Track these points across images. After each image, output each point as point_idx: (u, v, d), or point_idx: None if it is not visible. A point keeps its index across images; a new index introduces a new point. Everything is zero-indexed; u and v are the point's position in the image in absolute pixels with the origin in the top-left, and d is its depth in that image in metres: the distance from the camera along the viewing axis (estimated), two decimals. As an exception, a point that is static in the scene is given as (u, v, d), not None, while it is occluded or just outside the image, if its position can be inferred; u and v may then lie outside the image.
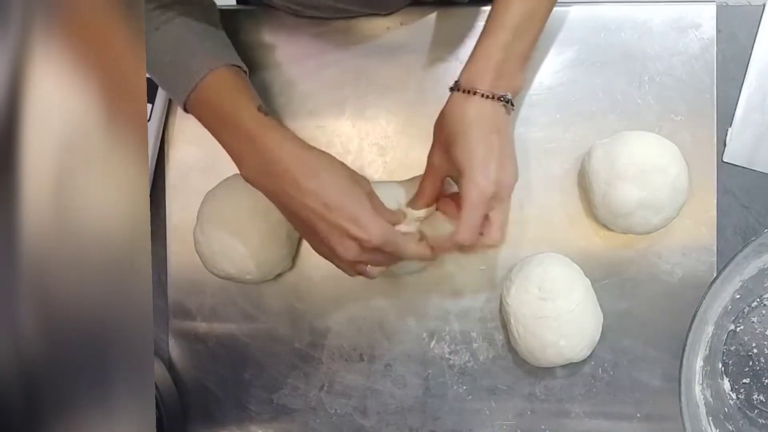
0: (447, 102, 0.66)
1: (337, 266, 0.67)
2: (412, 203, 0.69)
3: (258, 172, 0.65)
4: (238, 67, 0.69)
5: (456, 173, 0.64)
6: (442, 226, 0.69)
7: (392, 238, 0.64)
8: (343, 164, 0.67)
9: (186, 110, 0.67)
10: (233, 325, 0.80)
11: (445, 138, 0.65)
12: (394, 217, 0.68)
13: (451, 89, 0.66)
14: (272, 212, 0.72)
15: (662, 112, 0.75)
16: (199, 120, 0.67)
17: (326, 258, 0.67)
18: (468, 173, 0.63)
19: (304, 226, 0.65)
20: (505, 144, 0.65)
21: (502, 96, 0.64)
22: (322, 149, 0.67)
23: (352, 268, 0.66)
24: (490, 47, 0.64)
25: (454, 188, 0.69)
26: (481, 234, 0.65)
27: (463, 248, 0.65)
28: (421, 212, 0.69)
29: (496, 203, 0.64)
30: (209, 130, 0.67)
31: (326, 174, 0.64)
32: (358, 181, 0.66)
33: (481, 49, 0.65)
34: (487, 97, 0.63)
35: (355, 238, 0.63)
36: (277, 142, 0.64)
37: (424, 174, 0.68)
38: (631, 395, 0.76)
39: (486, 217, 0.65)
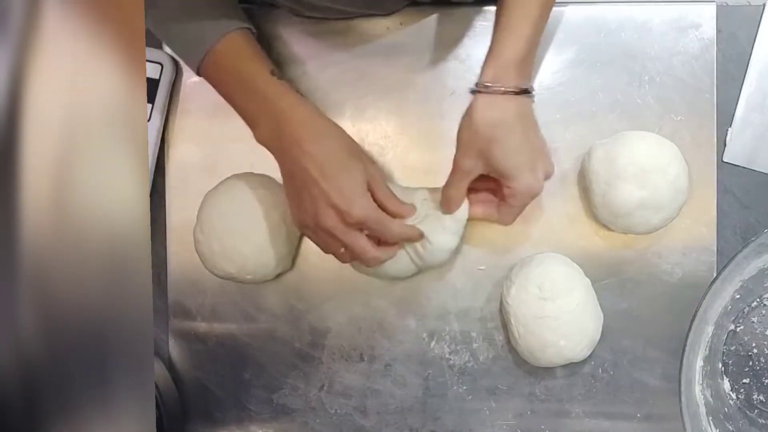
0: (473, 104, 0.64)
1: (315, 241, 0.69)
2: (446, 208, 0.70)
3: (270, 134, 0.67)
4: (248, 28, 0.70)
5: (500, 176, 0.65)
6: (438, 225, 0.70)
7: (374, 216, 0.66)
8: (351, 140, 0.69)
9: (199, 74, 0.69)
10: (233, 325, 0.80)
11: (480, 144, 0.64)
12: (397, 208, 0.69)
13: (475, 91, 0.64)
14: (272, 212, 0.72)
15: (662, 112, 0.75)
16: (212, 84, 0.69)
17: (306, 228, 0.68)
18: (518, 177, 0.64)
19: (297, 190, 0.67)
20: (538, 136, 0.66)
21: (526, 89, 0.64)
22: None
23: (328, 242, 0.67)
24: (513, 42, 0.63)
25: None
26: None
27: None
28: (463, 215, 0.70)
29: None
30: (222, 94, 0.69)
31: (330, 142, 0.66)
32: (360, 158, 0.68)
33: (504, 45, 0.64)
34: (515, 92, 0.63)
35: (337, 209, 0.64)
36: (289, 105, 0.66)
37: (452, 178, 0.68)
38: (631, 395, 0.76)
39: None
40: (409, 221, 0.70)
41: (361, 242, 0.67)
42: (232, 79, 0.68)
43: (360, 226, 0.66)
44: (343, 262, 0.69)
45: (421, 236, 0.69)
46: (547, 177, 0.67)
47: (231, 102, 0.69)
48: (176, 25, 0.67)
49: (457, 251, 0.75)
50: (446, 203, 0.69)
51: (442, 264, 0.74)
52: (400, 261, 0.72)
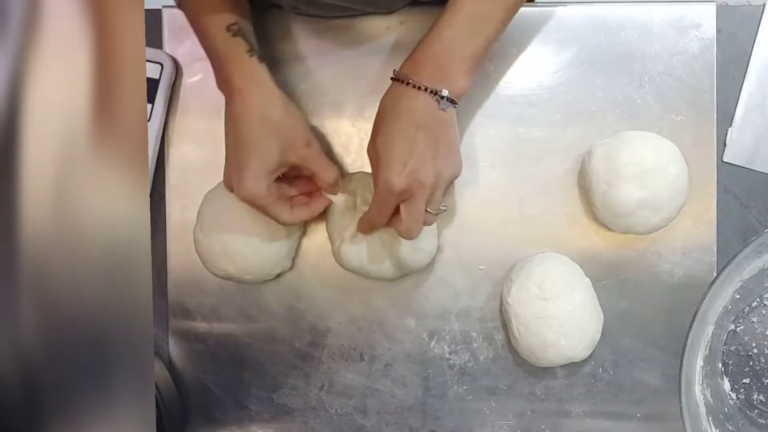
0: (387, 90, 0.66)
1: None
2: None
3: (219, 85, 0.69)
4: None
5: (374, 162, 0.65)
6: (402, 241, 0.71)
7: (258, 201, 0.67)
8: (283, 114, 0.68)
9: (180, 7, 0.70)
10: (233, 325, 0.80)
11: (375, 129, 0.66)
12: (326, 175, 0.70)
13: (392, 78, 0.66)
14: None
15: (662, 112, 0.75)
16: (186, 19, 0.70)
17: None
18: (382, 165, 0.63)
19: (225, 141, 0.69)
20: (430, 142, 0.64)
21: (437, 91, 0.63)
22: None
23: None
24: (432, 42, 0.64)
25: None
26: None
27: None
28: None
29: (407, 198, 0.64)
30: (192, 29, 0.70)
31: (254, 116, 0.67)
32: (283, 138, 0.68)
33: (423, 43, 0.65)
34: (420, 88, 0.63)
35: (228, 182, 0.67)
36: (232, 67, 0.67)
37: (371, 169, 0.68)
38: (631, 395, 0.76)
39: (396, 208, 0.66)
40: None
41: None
42: (194, 25, 0.69)
43: (247, 203, 0.68)
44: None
45: (309, 214, 0.72)
46: (422, 184, 0.63)
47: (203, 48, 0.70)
48: None
49: (444, 249, 0.75)
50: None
51: (422, 267, 0.74)
52: (381, 262, 0.72)
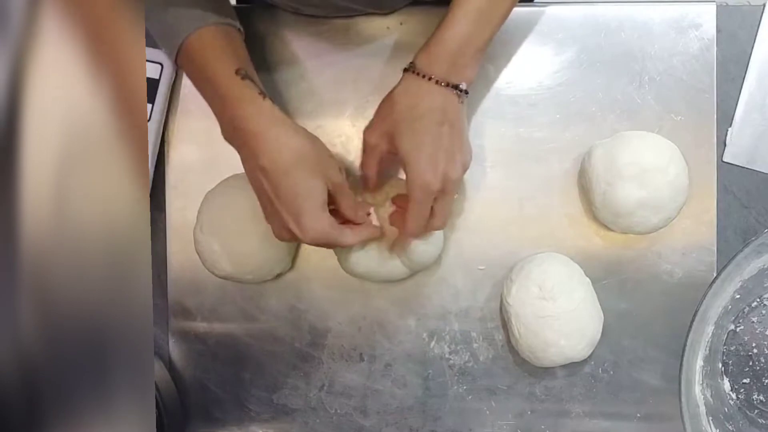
0: (399, 82, 0.65)
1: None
2: (363, 185, 0.70)
3: (228, 134, 0.66)
4: (231, 25, 0.68)
5: (401, 162, 0.64)
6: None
7: (327, 240, 0.65)
8: (312, 149, 0.65)
9: (176, 64, 0.68)
10: (233, 325, 0.80)
11: (392, 122, 0.64)
12: (354, 213, 0.68)
13: (406, 69, 0.65)
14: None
15: (662, 112, 0.75)
16: (187, 76, 0.68)
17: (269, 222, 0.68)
18: (415, 167, 0.63)
19: (257, 192, 0.66)
20: (455, 136, 0.64)
21: (456, 85, 0.63)
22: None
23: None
24: (449, 35, 0.64)
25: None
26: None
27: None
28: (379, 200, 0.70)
29: (441, 196, 0.65)
30: (195, 87, 0.68)
31: (285, 158, 0.63)
32: (320, 171, 0.65)
33: (439, 35, 0.64)
34: (442, 83, 0.63)
35: (290, 232, 0.64)
36: (245, 110, 0.63)
37: (363, 154, 0.68)
38: (631, 395, 0.76)
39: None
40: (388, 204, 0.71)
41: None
42: (199, 74, 0.66)
43: (318, 245, 0.66)
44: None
45: (377, 233, 0.70)
46: (454, 180, 0.64)
47: (202, 95, 0.67)
48: (157, 12, 0.66)
49: (445, 249, 0.75)
50: (362, 180, 0.70)
51: (431, 262, 0.74)
52: (390, 264, 0.72)
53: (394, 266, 0.73)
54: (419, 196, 0.64)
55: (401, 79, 0.65)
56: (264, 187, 0.64)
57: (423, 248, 0.72)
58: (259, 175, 0.63)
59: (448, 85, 0.63)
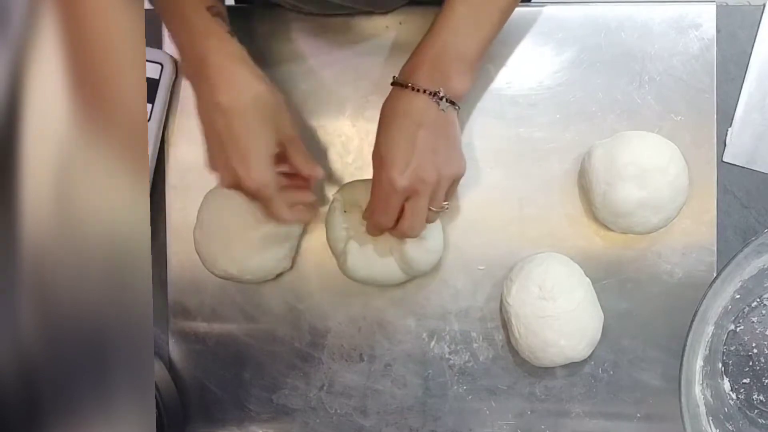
0: (387, 96, 0.66)
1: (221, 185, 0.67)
2: (367, 208, 0.69)
3: (190, 69, 0.64)
4: None
5: (377, 164, 0.65)
6: (408, 243, 0.71)
7: (265, 191, 0.63)
8: (271, 97, 0.64)
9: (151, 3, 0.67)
10: (233, 325, 0.80)
11: (377, 131, 0.66)
12: (311, 169, 0.68)
13: (392, 83, 0.66)
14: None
15: (662, 112, 0.75)
16: (157, 10, 0.66)
17: (212, 170, 0.66)
18: (384, 165, 0.63)
19: (207, 133, 0.65)
20: (431, 139, 0.64)
21: (434, 92, 0.64)
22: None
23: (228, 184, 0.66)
24: (427, 45, 0.65)
25: None
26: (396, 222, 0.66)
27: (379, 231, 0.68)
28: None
29: (411, 196, 0.64)
30: (163, 22, 0.66)
31: (244, 97, 0.62)
32: (277, 121, 0.65)
33: (420, 47, 0.66)
34: (419, 90, 0.64)
35: (233, 173, 0.63)
36: (211, 46, 0.63)
37: (373, 174, 0.68)
38: (631, 395, 0.76)
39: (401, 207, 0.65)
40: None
41: (256, 202, 0.66)
42: (169, 5, 0.64)
43: (253, 195, 0.64)
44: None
45: (309, 217, 0.70)
46: (426, 182, 0.63)
47: (168, 29, 0.66)
48: None
49: (445, 249, 0.75)
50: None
51: (429, 269, 0.74)
52: (389, 269, 0.72)
53: (394, 272, 0.73)
54: (386, 191, 0.64)
55: (390, 92, 0.66)
56: (216, 126, 0.62)
57: (420, 255, 0.72)
58: (213, 112, 0.62)
59: (426, 91, 0.64)
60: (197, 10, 0.63)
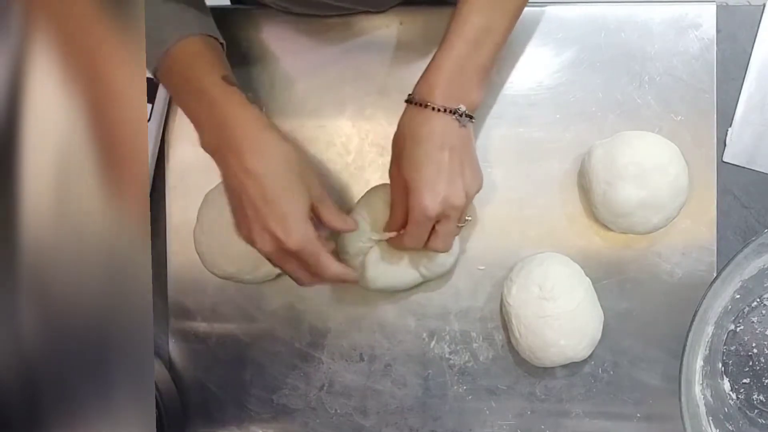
0: (402, 115, 0.65)
1: (259, 251, 0.65)
2: (388, 226, 0.69)
3: (213, 141, 0.64)
4: (214, 38, 0.68)
5: (405, 188, 0.64)
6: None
7: (310, 248, 0.62)
8: (298, 156, 0.65)
9: (155, 77, 0.67)
10: (233, 325, 0.80)
11: (398, 153, 0.65)
12: (343, 224, 0.67)
13: (406, 101, 0.65)
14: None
15: (662, 112, 0.75)
16: (167, 88, 0.68)
17: (246, 242, 0.65)
18: (415, 191, 0.63)
19: (237, 204, 0.64)
20: (456, 161, 0.64)
21: (455, 109, 0.63)
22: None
23: (274, 262, 0.65)
24: (444, 59, 0.64)
25: None
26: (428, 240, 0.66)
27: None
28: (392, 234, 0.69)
29: (442, 219, 0.65)
30: (175, 98, 0.67)
31: (273, 160, 0.63)
32: (306, 180, 0.64)
33: (435, 61, 0.64)
34: (439, 110, 0.63)
35: (273, 236, 0.62)
36: (235, 113, 0.63)
37: (391, 193, 0.68)
38: (631, 395, 0.76)
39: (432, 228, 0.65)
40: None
41: (295, 270, 0.65)
42: (182, 80, 0.65)
43: (296, 256, 0.63)
44: (300, 284, 0.67)
45: (354, 279, 0.68)
46: (455, 205, 0.64)
47: (181, 105, 0.67)
48: None
49: (460, 254, 0.75)
50: (390, 220, 0.69)
51: (448, 271, 0.74)
52: (406, 275, 0.72)
53: (413, 278, 0.73)
54: (418, 219, 0.64)
55: (404, 111, 0.65)
56: (249, 192, 0.62)
57: (441, 260, 0.72)
58: (244, 179, 0.62)
59: (446, 110, 0.63)
60: (214, 82, 0.64)
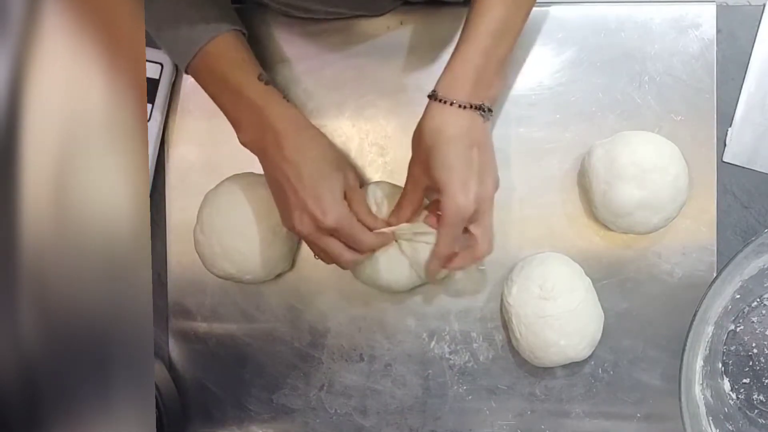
0: (425, 111, 0.65)
1: (304, 240, 0.69)
2: (394, 214, 0.69)
3: (253, 138, 0.68)
4: (240, 30, 0.70)
5: (435, 188, 0.64)
6: (422, 248, 0.69)
7: (347, 223, 0.66)
8: (334, 150, 0.69)
9: (187, 72, 0.70)
10: (233, 325, 0.80)
11: (424, 151, 0.64)
12: (371, 220, 0.69)
13: (429, 97, 0.65)
14: (272, 212, 0.72)
15: (662, 112, 0.75)
16: (200, 83, 0.70)
17: (289, 229, 0.68)
18: (448, 191, 0.62)
19: (278, 193, 0.68)
20: (484, 157, 0.64)
21: (479, 105, 0.63)
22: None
23: (309, 245, 0.69)
24: (469, 54, 0.63)
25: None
26: (469, 247, 0.66)
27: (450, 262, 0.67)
28: (404, 225, 0.69)
29: (476, 217, 0.64)
30: (209, 94, 0.70)
31: (313, 153, 0.67)
32: (340, 169, 0.68)
33: (460, 56, 0.64)
34: (465, 107, 0.63)
35: (312, 216, 0.65)
36: (274, 112, 0.67)
37: (406, 184, 0.68)
38: (631, 395, 0.76)
39: (467, 231, 0.65)
40: (410, 233, 0.69)
41: (335, 246, 0.67)
42: (219, 81, 0.68)
43: (333, 233, 0.66)
44: (326, 263, 0.70)
45: (391, 240, 0.70)
46: (486, 200, 0.64)
47: (217, 103, 0.69)
48: (168, 23, 0.67)
49: None
50: (396, 210, 0.69)
51: (446, 274, 0.74)
52: (403, 275, 0.72)
53: (414, 279, 0.73)
54: (452, 220, 0.63)
55: (426, 107, 0.64)
56: (290, 178, 0.65)
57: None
58: (283, 166, 0.66)
59: (471, 107, 0.63)
60: (251, 82, 0.67)
